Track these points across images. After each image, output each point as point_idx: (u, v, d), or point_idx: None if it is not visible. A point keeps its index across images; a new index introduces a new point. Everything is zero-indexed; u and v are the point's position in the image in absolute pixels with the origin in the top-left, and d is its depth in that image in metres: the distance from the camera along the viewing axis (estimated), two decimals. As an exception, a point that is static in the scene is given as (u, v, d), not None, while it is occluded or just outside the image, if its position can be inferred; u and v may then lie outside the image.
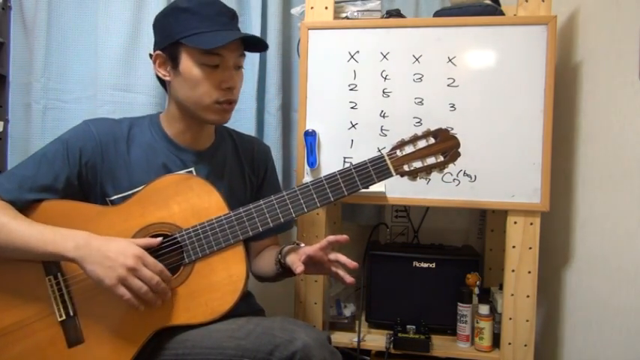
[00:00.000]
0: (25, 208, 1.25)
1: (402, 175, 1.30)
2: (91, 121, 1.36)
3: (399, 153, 1.29)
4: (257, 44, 1.38)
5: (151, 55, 1.36)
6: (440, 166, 1.30)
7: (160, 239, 1.23)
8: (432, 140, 1.29)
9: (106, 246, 1.15)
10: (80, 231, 1.19)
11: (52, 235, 1.18)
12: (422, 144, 1.30)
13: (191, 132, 1.39)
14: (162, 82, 1.40)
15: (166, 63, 1.33)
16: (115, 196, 1.32)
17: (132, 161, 1.34)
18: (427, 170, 1.30)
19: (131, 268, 1.13)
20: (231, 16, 1.33)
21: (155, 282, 1.16)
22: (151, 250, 1.23)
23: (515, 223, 1.56)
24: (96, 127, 1.34)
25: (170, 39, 1.29)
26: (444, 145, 1.30)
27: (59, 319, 1.22)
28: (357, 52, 1.62)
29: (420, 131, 1.31)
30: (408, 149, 1.29)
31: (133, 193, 1.30)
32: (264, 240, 1.51)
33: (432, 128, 1.31)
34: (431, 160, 1.30)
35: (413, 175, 1.30)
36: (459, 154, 1.31)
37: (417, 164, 1.29)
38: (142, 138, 1.37)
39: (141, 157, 1.35)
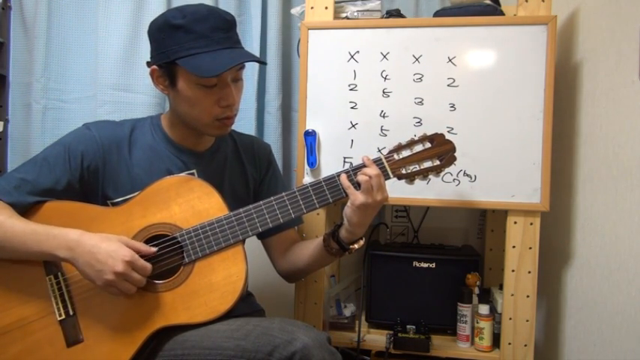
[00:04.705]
0: (26, 210, 1.26)
1: (399, 178, 1.32)
2: (93, 125, 1.36)
3: (396, 156, 1.31)
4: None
5: (148, 64, 1.34)
6: (436, 170, 1.33)
7: (155, 249, 1.23)
8: (428, 144, 1.33)
9: (96, 247, 1.15)
10: (73, 230, 1.19)
11: (45, 235, 1.18)
12: (418, 148, 1.33)
13: (192, 136, 1.39)
14: None
15: (164, 77, 1.31)
16: (117, 199, 1.32)
17: (134, 164, 1.34)
18: (424, 173, 1.33)
19: (120, 273, 1.14)
20: (228, 28, 1.29)
21: (144, 285, 1.19)
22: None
23: (515, 223, 1.56)
24: (98, 131, 1.34)
25: (165, 57, 1.26)
26: (440, 150, 1.32)
27: (58, 319, 1.22)
28: (357, 52, 1.62)
29: (420, 131, 1.33)
30: (405, 153, 1.32)
31: (135, 195, 1.30)
32: (285, 232, 1.50)
33: (432, 129, 1.33)
34: (427, 164, 1.33)
35: (410, 177, 1.32)
36: (454, 158, 1.33)
37: (414, 167, 1.31)
38: (143, 140, 1.38)
39: (143, 160, 1.35)
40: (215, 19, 1.26)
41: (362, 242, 1.36)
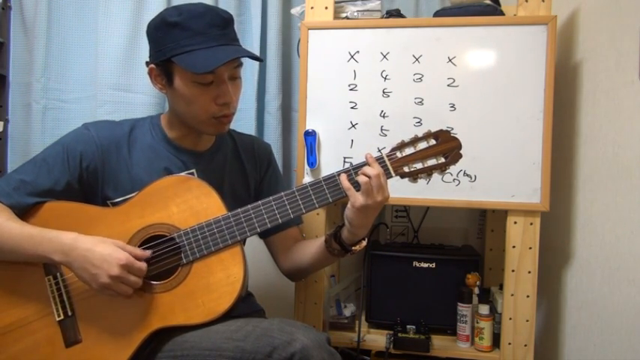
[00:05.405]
0: (26, 211, 1.26)
1: (402, 177, 1.29)
2: (92, 125, 1.36)
3: (398, 154, 1.28)
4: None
5: (147, 63, 1.34)
6: (441, 168, 1.29)
7: (149, 252, 1.23)
8: (432, 142, 1.29)
9: (91, 252, 1.16)
10: (67, 233, 1.19)
11: (40, 238, 1.19)
12: (422, 145, 1.29)
13: (191, 136, 1.39)
14: None
15: (161, 76, 1.31)
16: (117, 199, 1.32)
17: (133, 164, 1.34)
18: (428, 172, 1.29)
19: (116, 276, 1.14)
20: (224, 25, 1.28)
21: (141, 286, 1.19)
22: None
23: (515, 223, 1.56)
24: (96, 131, 1.34)
25: (162, 55, 1.26)
26: (445, 147, 1.29)
27: (57, 319, 1.23)
28: (357, 52, 1.62)
29: (420, 131, 1.30)
30: (409, 150, 1.28)
31: (134, 196, 1.30)
32: (287, 231, 1.49)
33: (433, 129, 1.30)
34: (432, 162, 1.29)
35: (413, 176, 1.29)
36: (460, 156, 1.30)
37: (418, 165, 1.28)
38: (143, 140, 1.37)
39: (142, 160, 1.35)
40: (211, 16, 1.26)
41: (364, 243, 1.35)
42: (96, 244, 1.17)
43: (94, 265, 1.15)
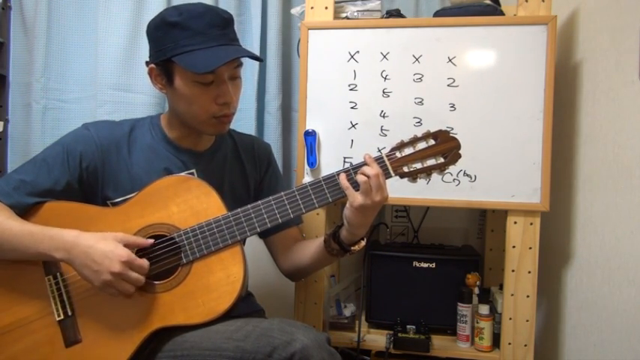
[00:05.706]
0: (26, 211, 1.26)
1: (401, 177, 1.29)
2: (92, 125, 1.36)
3: (398, 154, 1.28)
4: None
5: (147, 63, 1.34)
6: (440, 168, 1.29)
7: (151, 240, 1.23)
8: (432, 142, 1.29)
9: (92, 248, 1.16)
10: (69, 231, 1.19)
11: (42, 236, 1.19)
12: (422, 145, 1.29)
13: (191, 136, 1.39)
14: None
15: (161, 76, 1.31)
16: (117, 199, 1.32)
17: (133, 164, 1.34)
18: (427, 172, 1.29)
19: (117, 273, 1.14)
20: (224, 25, 1.28)
21: (142, 284, 1.19)
22: (148, 251, 1.23)
23: (515, 223, 1.55)
24: (96, 131, 1.34)
25: (162, 55, 1.26)
26: (445, 147, 1.29)
27: (57, 319, 1.22)
28: (357, 52, 1.62)
29: (420, 131, 1.30)
30: (408, 150, 1.28)
31: (134, 195, 1.30)
32: (287, 230, 1.49)
33: (432, 129, 1.30)
34: (431, 162, 1.29)
35: (412, 176, 1.29)
36: (459, 156, 1.29)
37: (417, 165, 1.28)
38: (142, 140, 1.37)
39: (142, 160, 1.35)
40: (211, 16, 1.26)
41: (363, 243, 1.35)
42: (97, 241, 1.17)
43: (96, 261, 1.15)
